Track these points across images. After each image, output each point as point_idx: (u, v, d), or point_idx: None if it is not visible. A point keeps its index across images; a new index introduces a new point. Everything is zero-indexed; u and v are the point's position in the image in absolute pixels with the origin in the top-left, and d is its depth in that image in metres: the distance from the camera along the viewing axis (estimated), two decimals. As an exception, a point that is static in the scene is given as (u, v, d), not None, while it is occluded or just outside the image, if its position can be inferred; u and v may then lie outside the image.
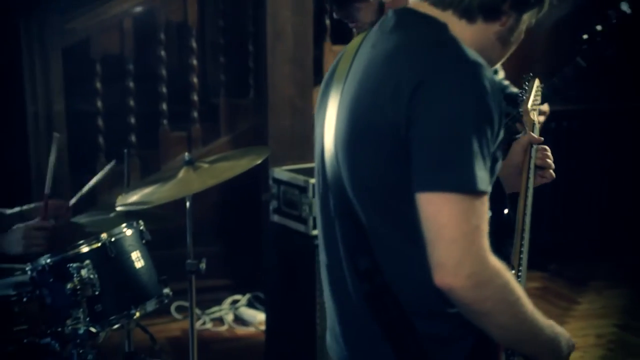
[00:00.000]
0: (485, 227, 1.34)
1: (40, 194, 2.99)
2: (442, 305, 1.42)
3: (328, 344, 1.65)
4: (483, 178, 1.34)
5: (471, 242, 1.32)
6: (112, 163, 2.95)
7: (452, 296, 1.34)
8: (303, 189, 3.65)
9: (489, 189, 1.36)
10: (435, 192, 1.33)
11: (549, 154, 1.91)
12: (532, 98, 2.07)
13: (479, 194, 1.33)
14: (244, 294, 4.63)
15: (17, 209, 2.78)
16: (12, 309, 2.51)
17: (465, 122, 1.33)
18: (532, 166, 1.85)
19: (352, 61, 1.55)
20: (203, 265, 2.90)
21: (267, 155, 2.95)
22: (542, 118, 2.95)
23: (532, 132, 1.96)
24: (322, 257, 1.63)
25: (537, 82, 2.11)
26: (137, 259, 2.65)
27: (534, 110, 2.06)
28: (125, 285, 2.59)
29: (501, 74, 3.20)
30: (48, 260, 2.48)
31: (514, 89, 3.13)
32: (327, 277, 1.60)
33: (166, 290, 2.73)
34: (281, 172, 3.84)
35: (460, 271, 1.31)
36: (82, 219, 2.96)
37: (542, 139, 1.90)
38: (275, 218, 3.86)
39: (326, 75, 1.67)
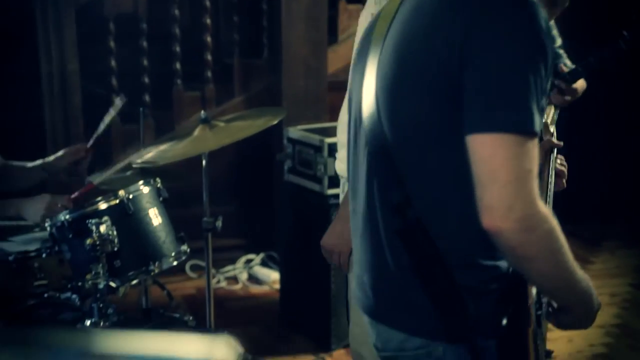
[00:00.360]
0: (536, 171, 1.33)
1: (55, 151, 3.00)
2: (477, 256, 1.43)
3: (353, 292, 1.65)
4: (538, 119, 1.33)
5: (523, 186, 1.31)
6: (123, 98, 2.94)
7: (499, 239, 1.34)
8: (318, 149, 3.66)
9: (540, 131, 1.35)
10: (490, 133, 1.32)
11: (564, 162, 1.92)
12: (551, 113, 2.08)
13: (533, 135, 1.33)
14: (257, 253, 4.65)
15: (38, 162, 2.80)
16: (31, 265, 2.54)
17: (522, 61, 1.32)
18: (552, 171, 1.85)
19: (398, 7, 1.52)
20: (219, 223, 2.91)
21: (283, 115, 2.94)
22: (579, 91, 2.95)
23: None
24: (352, 206, 1.62)
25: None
26: (155, 216, 2.67)
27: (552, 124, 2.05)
28: (143, 242, 2.61)
29: (558, 41, 3.16)
30: (67, 217, 2.50)
31: (567, 61, 3.10)
32: (360, 224, 1.59)
33: (184, 247, 2.75)
34: (296, 132, 3.84)
35: (511, 214, 1.31)
36: (97, 177, 2.98)
37: (562, 143, 1.90)
38: (290, 178, 3.87)
39: (365, 30, 1.64)
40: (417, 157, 1.43)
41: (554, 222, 1.36)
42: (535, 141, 1.34)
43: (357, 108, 1.56)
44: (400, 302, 1.50)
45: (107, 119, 2.87)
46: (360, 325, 2.22)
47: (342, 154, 2.34)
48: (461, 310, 1.42)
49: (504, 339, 1.44)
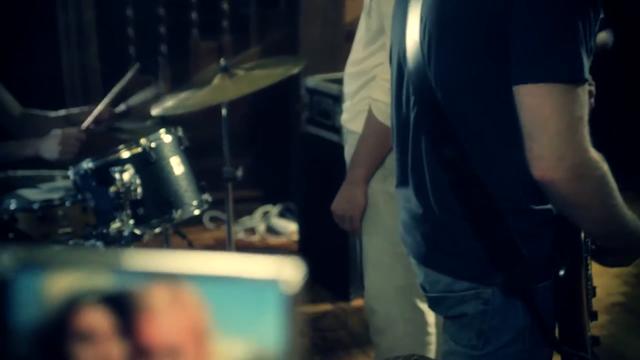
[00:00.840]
0: (586, 117, 1.33)
1: (73, 101, 3.01)
2: (528, 201, 1.43)
3: (402, 238, 1.66)
4: (586, 66, 1.32)
5: (574, 134, 1.31)
6: (137, 66, 2.93)
7: (551, 189, 1.34)
8: (336, 98, 3.64)
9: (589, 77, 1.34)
10: (538, 83, 1.31)
11: (592, 81, 1.90)
12: None
13: (582, 82, 1.32)
14: (275, 204, 4.67)
15: (62, 112, 2.80)
16: (56, 213, 2.55)
17: (569, 6, 1.31)
18: None
19: None
20: (240, 173, 2.92)
21: (302, 64, 2.93)
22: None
23: None
24: (397, 155, 1.62)
25: None
26: (177, 165, 2.68)
27: None
28: (166, 190, 2.63)
29: None
30: (90, 165, 2.51)
31: None
32: (405, 175, 1.59)
33: (205, 196, 2.76)
34: (314, 82, 3.82)
35: (562, 164, 1.31)
36: (117, 125, 2.98)
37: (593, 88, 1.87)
38: (308, 128, 3.86)
39: None
40: (467, 110, 1.43)
41: (605, 167, 1.36)
42: (585, 87, 1.32)
43: (400, 60, 1.55)
44: (450, 248, 1.51)
45: (121, 84, 2.85)
46: (374, 282, 2.25)
47: (347, 105, 2.33)
48: (513, 255, 1.43)
49: (556, 282, 1.46)
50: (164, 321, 0.58)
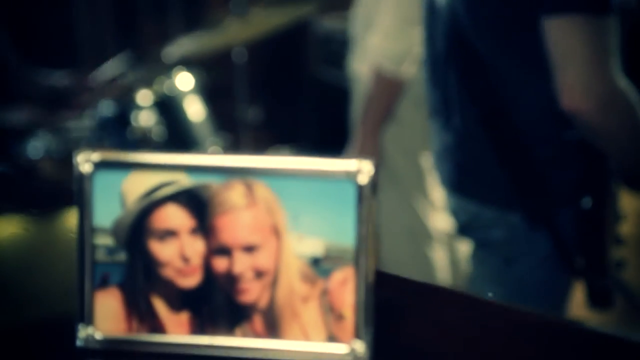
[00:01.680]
0: (613, 47, 1.33)
1: (84, 57, 3.00)
2: (555, 131, 1.44)
3: (436, 167, 1.67)
4: None
5: (601, 64, 1.32)
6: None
7: (580, 119, 1.35)
8: (346, 42, 3.62)
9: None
10: (565, 15, 1.31)
11: None
12: None
13: (608, 13, 1.32)
14: (286, 146, 4.67)
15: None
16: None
17: None
18: None
19: None
20: (252, 114, 2.93)
21: (316, 6, 2.92)
22: None
23: None
24: (430, 90, 1.64)
25: None
26: (193, 106, 2.70)
27: None
28: (182, 132, 2.65)
29: None
30: (109, 110, 2.52)
31: None
32: (435, 107, 1.61)
33: (220, 138, 2.79)
34: (326, 24, 3.80)
35: (590, 93, 1.32)
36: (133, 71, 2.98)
37: None
38: (320, 70, 3.85)
39: None
40: (496, 42, 1.43)
41: (633, 97, 1.37)
42: (611, 19, 1.33)
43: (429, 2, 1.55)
44: (479, 175, 1.53)
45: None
46: (387, 238, 2.26)
47: (356, 50, 2.30)
48: (537, 184, 1.45)
49: (580, 210, 1.48)
50: (240, 219, 0.60)
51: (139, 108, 2.54)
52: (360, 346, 0.60)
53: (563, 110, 1.34)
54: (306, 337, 0.60)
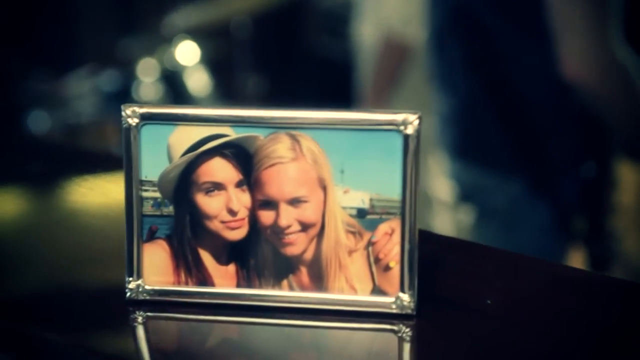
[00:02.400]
0: (613, 16, 1.36)
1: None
2: (559, 98, 1.46)
3: (439, 133, 1.68)
4: None
5: (601, 32, 1.34)
6: None
7: (579, 86, 1.37)
8: (349, 6, 3.61)
9: None
10: None
11: None
12: None
13: None
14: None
15: None
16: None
17: None
18: None
19: None
20: (254, 86, 2.93)
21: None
22: None
23: None
24: (433, 61, 1.64)
25: None
26: (197, 79, 2.69)
27: None
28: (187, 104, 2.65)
29: None
30: (109, 83, 2.52)
31: None
32: (447, 76, 1.62)
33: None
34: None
35: (589, 61, 1.34)
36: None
37: None
38: (322, 41, 3.84)
39: None
40: (500, 10, 1.46)
41: (632, 65, 1.39)
42: None
43: None
44: (483, 140, 1.58)
45: None
46: None
47: (363, 14, 2.30)
48: (542, 149, 1.50)
49: (584, 177, 1.50)
50: (286, 172, 0.60)
51: (141, 82, 2.54)
52: (406, 298, 0.60)
53: (563, 77, 1.36)
54: (352, 288, 0.61)
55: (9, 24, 2.73)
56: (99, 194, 0.87)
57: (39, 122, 2.54)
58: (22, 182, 0.92)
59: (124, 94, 2.51)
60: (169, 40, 2.90)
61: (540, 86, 1.46)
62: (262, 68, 4.40)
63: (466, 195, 1.63)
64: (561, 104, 1.47)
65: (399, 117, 0.59)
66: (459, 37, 1.52)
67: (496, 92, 1.49)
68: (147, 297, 0.62)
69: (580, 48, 1.33)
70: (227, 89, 2.97)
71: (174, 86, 2.61)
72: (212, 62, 2.89)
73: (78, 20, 3.99)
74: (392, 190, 0.60)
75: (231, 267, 0.62)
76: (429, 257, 0.65)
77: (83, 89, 2.70)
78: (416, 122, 0.59)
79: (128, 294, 0.62)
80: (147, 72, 2.59)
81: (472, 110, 1.54)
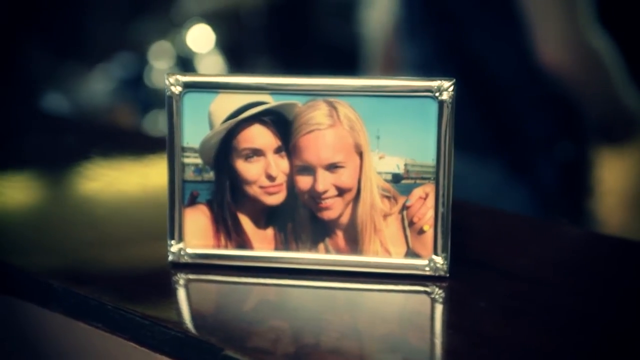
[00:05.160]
0: (587, 2, 1.38)
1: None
2: (531, 83, 1.48)
3: None
4: None
5: (575, 19, 1.39)
6: None
7: (553, 72, 1.41)
8: None
9: None
10: None
11: None
12: None
13: None
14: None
15: None
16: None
17: None
18: None
19: None
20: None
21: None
22: None
23: None
24: (405, 50, 1.66)
25: None
26: (211, 65, 2.70)
27: None
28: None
29: None
30: (122, 69, 2.53)
31: None
32: (413, 65, 1.64)
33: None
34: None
35: (563, 48, 1.37)
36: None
37: None
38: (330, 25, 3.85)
39: None
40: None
41: (605, 50, 1.41)
42: None
43: None
44: (458, 124, 1.56)
45: None
46: None
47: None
48: (518, 132, 1.51)
49: (561, 159, 1.52)
50: (323, 138, 0.62)
51: (154, 68, 2.54)
52: (439, 260, 0.62)
53: (538, 62, 1.38)
54: (386, 251, 0.63)
55: (24, 8, 2.75)
56: (131, 173, 0.89)
57: (52, 105, 2.56)
58: (54, 162, 0.94)
59: (137, 80, 2.53)
60: (182, 25, 2.91)
61: (514, 71, 1.48)
62: (274, 53, 4.42)
63: None
64: (535, 87, 1.49)
65: (434, 83, 0.61)
66: (431, 24, 1.54)
67: (469, 78, 1.50)
68: (189, 260, 0.64)
69: (554, 33, 1.36)
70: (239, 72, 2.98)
71: (186, 71, 2.63)
72: (225, 47, 2.91)
73: (92, 3, 4.01)
74: (426, 155, 0.62)
75: (269, 231, 0.64)
76: (461, 223, 0.67)
77: (96, 73, 2.71)
78: (451, 88, 0.61)
79: (170, 257, 0.64)
80: (159, 56, 2.60)
81: None
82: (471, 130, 1.53)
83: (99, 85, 2.63)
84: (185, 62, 2.63)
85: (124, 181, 0.87)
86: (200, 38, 2.72)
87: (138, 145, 0.95)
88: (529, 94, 1.50)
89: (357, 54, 3.53)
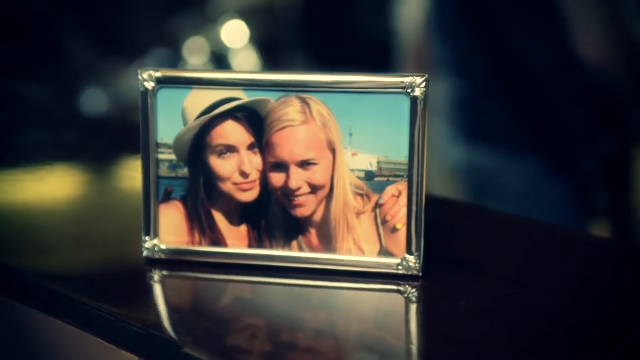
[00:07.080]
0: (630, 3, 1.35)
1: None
2: (574, 79, 1.45)
3: (450, 117, 1.69)
4: None
5: (617, 13, 1.36)
6: None
7: (596, 68, 1.38)
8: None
9: None
10: None
11: None
12: None
13: None
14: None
15: None
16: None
17: None
18: None
19: None
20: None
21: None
22: None
23: None
24: (438, 49, 1.64)
25: None
26: (245, 61, 2.71)
27: None
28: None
29: None
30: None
31: None
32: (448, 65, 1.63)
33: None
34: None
35: (607, 43, 1.36)
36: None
37: None
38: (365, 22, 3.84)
39: None
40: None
41: None
42: None
43: None
44: (497, 122, 1.56)
45: None
46: None
47: None
48: (558, 128, 1.47)
49: (604, 154, 1.49)
50: (297, 135, 0.62)
51: (189, 64, 2.56)
52: (412, 259, 0.62)
53: (580, 60, 1.36)
54: (360, 250, 0.63)
55: (59, 4, 2.79)
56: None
57: (88, 101, 2.59)
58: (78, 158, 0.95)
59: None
60: (217, 21, 2.93)
61: (555, 68, 1.45)
62: (308, 49, 4.42)
63: (483, 179, 1.62)
64: (577, 81, 1.46)
65: (406, 80, 0.60)
66: (467, 22, 1.51)
67: (508, 73, 1.48)
68: (163, 257, 0.64)
69: (596, 25, 1.34)
70: (274, 69, 2.99)
71: (221, 67, 2.63)
72: (260, 42, 2.91)
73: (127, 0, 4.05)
74: (399, 153, 0.61)
75: (243, 228, 0.64)
76: (438, 222, 0.66)
77: (132, 69, 2.74)
78: (423, 85, 0.60)
79: (145, 253, 0.64)
80: (194, 52, 2.62)
81: (486, 95, 1.53)
82: (511, 126, 1.51)
83: (134, 81, 2.64)
84: (220, 58, 2.64)
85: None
86: (235, 34, 2.73)
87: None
88: (570, 88, 1.47)
89: (394, 49, 3.51)
